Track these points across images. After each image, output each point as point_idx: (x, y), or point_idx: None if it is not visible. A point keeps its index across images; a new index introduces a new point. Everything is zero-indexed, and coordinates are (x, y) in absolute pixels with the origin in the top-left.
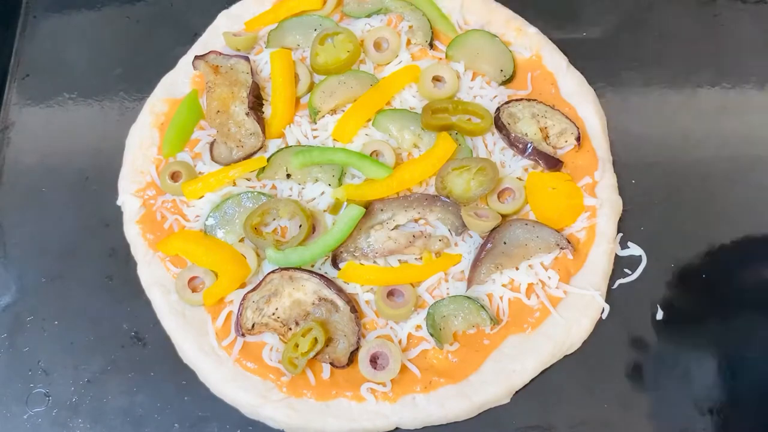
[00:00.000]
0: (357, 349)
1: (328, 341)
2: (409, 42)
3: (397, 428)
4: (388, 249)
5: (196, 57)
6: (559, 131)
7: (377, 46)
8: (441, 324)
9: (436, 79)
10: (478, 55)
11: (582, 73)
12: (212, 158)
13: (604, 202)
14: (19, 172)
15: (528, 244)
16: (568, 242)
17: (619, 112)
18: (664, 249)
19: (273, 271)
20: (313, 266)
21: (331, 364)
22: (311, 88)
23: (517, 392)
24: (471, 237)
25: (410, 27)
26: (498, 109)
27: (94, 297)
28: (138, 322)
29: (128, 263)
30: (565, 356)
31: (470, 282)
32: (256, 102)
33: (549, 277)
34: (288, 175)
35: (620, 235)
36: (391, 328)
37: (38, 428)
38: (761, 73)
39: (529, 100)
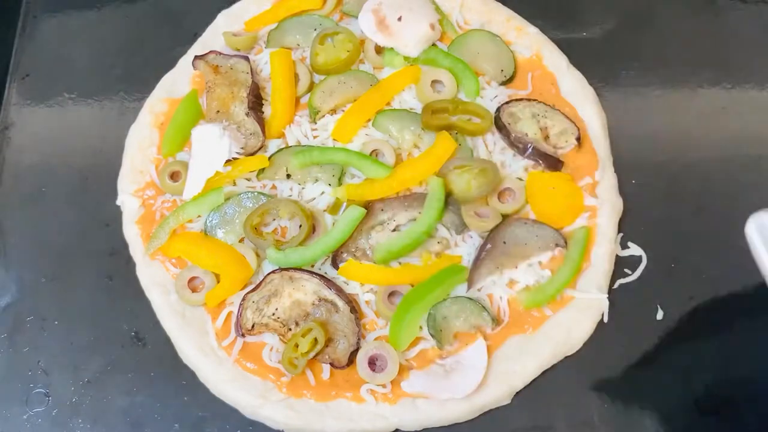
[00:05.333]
0: (357, 349)
1: (328, 342)
2: None
3: (396, 429)
4: None
5: (196, 57)
6: (559, 131)
7: (378, 50)
8: (442, 325)
9: (436, 81)
10: (479, 54)
11: (582, 73)
12: None
13: (605, 203)
14: (19, 172)
15: (527, 243)
16: (566, 241)
17: (619, 112)
18: (664, 249)
19: (273, 272)
20: (313, 266)
21: (331, 364)
22: (311, 88)
23: (517, 393)
24: (471, 237)
25: None
26: (498, 109)
27: (94, 297)
28: (138, 322)
29: (128, 263)
30: (566, 357)
31: (471, 283)
32: (256, 102)
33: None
34: (288, 175)
35: (620, 235)
36: None
37: (38, 428)
38: (761, 72)
39: (529, 100)
